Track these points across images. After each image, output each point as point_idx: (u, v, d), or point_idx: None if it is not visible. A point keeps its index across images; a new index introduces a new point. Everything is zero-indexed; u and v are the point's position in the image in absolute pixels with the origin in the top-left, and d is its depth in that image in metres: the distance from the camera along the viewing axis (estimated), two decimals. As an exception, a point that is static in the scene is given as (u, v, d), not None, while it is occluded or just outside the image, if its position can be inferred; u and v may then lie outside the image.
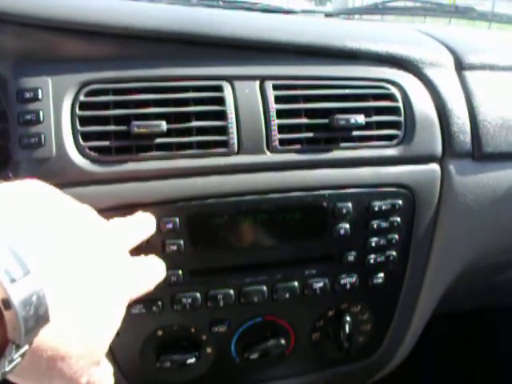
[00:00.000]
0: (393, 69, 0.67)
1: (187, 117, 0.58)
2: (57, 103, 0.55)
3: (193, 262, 0.60)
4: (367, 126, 0.62)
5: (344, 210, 0.62)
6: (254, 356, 0.66)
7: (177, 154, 0.57)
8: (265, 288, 0.63)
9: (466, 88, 0.69)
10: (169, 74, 0.59)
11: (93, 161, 0.56)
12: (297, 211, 0.61)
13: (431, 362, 1.25)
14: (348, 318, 0.68)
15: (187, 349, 0.64)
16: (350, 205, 0.62)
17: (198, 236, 0.59)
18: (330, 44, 0.65)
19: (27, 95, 0.55)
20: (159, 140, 0.57)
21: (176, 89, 0.58)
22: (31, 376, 0.36)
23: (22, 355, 0.32)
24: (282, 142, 0.60)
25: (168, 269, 0.57)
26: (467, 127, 0.67)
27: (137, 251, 0.49)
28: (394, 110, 0.64)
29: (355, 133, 0.62)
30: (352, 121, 0.61)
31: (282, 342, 0.67)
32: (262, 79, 0.61)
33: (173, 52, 0.61)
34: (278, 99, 0.60)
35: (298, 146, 0.61)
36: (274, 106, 0.60)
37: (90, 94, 0.57)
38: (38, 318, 0.31)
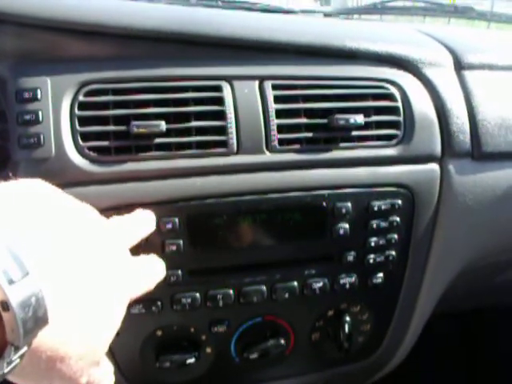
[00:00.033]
0: (392, 69, 0.67)
1: (186, 117, 0.58)
2: (56, 103, 0.55)
3: (192, 262, 0.60)
4: (366, 125, 0.62)
5: (343, 210, 0.62)
6: (254, 356, 0.66)
7: (176, 154, 0.57)
8: (264, 288, 0.63)
9: (465, 88, 0.69)
10: (168, 74, 0.59)
11: (92, 161, 0.56)
12: (296, 211, 0.61)
13: (431, 362, 1.25)
14: (348, 318, 0.68)
15: (187, 349, 0.64)
16: (349, 205, 0.62)
17: (197, 236, 0.59)
18: (330, 44, 0.65)
19: (26, 95, 0.55)
20: (158, 140, 0.57)
21: (175, 89, 0.58)
22: (31, 376, 0.36)
23: (21, 357, 0.32)
24: (281, 141, 0.60)
25: (167, 269, 0.57)
26: (466, 127, 0.67)
27: (136, 251, 0.49)
28: (393, 110, 0.64)
29: (354, 133, 0.62)
30: (351, 121, 0.61)
31: (282, 341, 0.67)
32: (262, 79, 0.61)
33: (172, 52, 0.61)
34: (277, 99, 0.60)
35: (297, 146, 0.61)
36: (273, 106, 0.60)
37: (89, 94, 0.57)
38: (37, 319, 0.31)
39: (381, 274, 0.67)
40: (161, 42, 0.61)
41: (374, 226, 0.63)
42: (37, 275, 0.31)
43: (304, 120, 0.61)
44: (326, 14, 1.20)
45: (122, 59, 0.59)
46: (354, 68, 0.65)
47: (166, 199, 0.57)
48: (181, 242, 0.58)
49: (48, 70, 0.57)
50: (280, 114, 0.60)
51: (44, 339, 0.33)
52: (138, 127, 0.55)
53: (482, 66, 0.71)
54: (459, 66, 0.70)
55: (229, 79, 0.60)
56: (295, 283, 0.64)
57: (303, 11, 1.12)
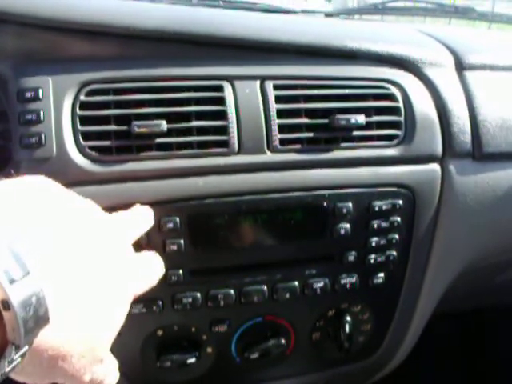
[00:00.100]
0: (393, 69, 0.67)
1: (187, 117, 0.58)
2: (57, 103, 0.55)
3: (193, 262, 0.60)
4: (367, 125, 0.62)
5: (344, 210, 0.62)
6: (255, 356, 0.67)
7: (177, 154, 0.57)
8: (265, 288, 0.63)
9: (466, 88, 0.69)
10: (169, 74, 0.59)
11: (93, 160, 0.56)
12: (297, 211, 0.61)
13: (431, 362, 1.25)
14: (348, 318, 0.68)
15: (187, 348, 0.64)
16: (350, 205, 0.62)
17: (198, 236, 0.59)
18: (331, 44, 0.65)
19: (28, 95, 0.55)
20: (159, 140, 0.57)
21: (176, 89, 0.58)
22: (33, 375, 0.36)
23: (22, 356, 0.32)
24: (282, 141, 0.60)
25: (168, 268, 0.57)
26: (467, 127, 0.67)
27: (137, 250, 0.49)
28: (394, 110, 0.64)
29: (355, 133, 0.62)
30: (352, 121, 0.61)
31: (283, 341, 0.67)
32: (263, 79, 0.61)
33: (173, 52, 0.61)
34: (278, 99, 0.60)
35: (298, 146, 0.61)
36: (274, 106, 0.60)
37: (90, 93, 0.57)
38: (38, 318, 0.31)
39: (381, 274, 0.67)
40: (162, 41, 0.61)
41: (375, 226, 0.63)
42: (38, 274, 0.31)
43: (305, 120, 0.61)
44: (327, 14, 1.20)
45: (123, 59, 0.60)
46: (355, 68, 0.65)
47: (167, 199, 0.58)
48: (182, 241, 0.58)
49: (49, 69, 0.57)
50: (281, 113, 0.60)
51: (45, 338, 0.33)
52: (139, 127, 0.55)
53: (483, 67, 0.71)
54: (460, 67, 0.70)
55: (230, 79, 0.60)
56: (296, 283, 0.64)
57: (304, 11, 1.12)
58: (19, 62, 0.58)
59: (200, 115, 0.58)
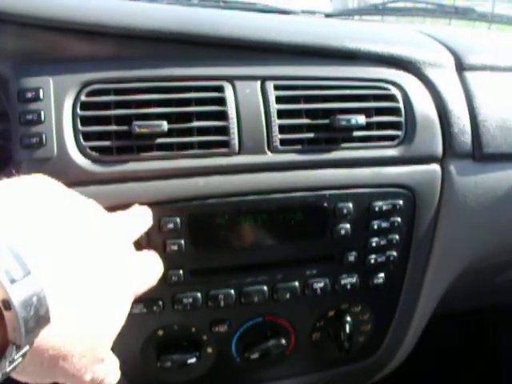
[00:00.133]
0: (393, 69, 0.67)
1: (188, 117, 0.58)
2: (58, 103, 0.55)
3: (194, 262, 0.60)
4: (368, 126, 0.62)
5: (345, 210, 0.62)
6: (255, 356, 0.67)
7: (178, 154, 0.58)
8: (265, 288, 0.63)
9: (466, 88, 0.69)
10: (170, 75, 0.59)
11: (94, 161, 0.56)
12: (298, 211, 0.61)
13: (431, 363, 1.25)
14: (348, 318, 0.68)
15: (188, 349, 0.64)
16: (350, 205, 0.62)
17: (198, 236, 0.59)
18: (331, 44, 0.65)
19: (28, 95, 0.55)
20: (160, 140, 0.57)
21: (177, 89, 0.58)
22: (34, 374, 0.36)
23: (23, 355, 0.32)
24: (282, 142, 0.60)
25: (169, 268, 0.57)
26: (468, 128, 0.67)
27: (137, 250, 0.49)
28: (394, 111, 0.64)
29: (356, 133, 0.62)
30: (353, 121, 0.61)
31: (283, 341, 0.67)
32: (263, 79, 0.61)
33: (174, 52, 0.61)
34: (278, 99, 0.60)
35: (298, 147, 0.61)
36: (274, 107, 0.60)
37: (91, 93, 0.57)
38: (39, 318, 0.31)
39: (382, 275, 0.67)
40: (163, 42, 0.61)
41: (375, 226, 0.64)
42: (38, 274, 0.31)
43: (306, 120, 0.61)
44: (327, 15, 1.20)
45: (123, 59, 0.60)
46: (356, 69, 0.65)
47: (168, 199, 0.58)
48: (182, 241, 0.58)
49: (50, 69, 0.57)
50: (282, 114, 0.60)
51: (46, 338, 0.33)
52: (139, 127, 0.55)
53: (483, 67, 0.71)
54: (460, 67, 0.70)
55: (231, 79, 0.60)
56: (296, 283, 0.64)
57: (304, 12, 1.12)
58: (20, 62, 0.58)
59: (201, 115, 0.58)
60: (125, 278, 0.41)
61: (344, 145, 0.62)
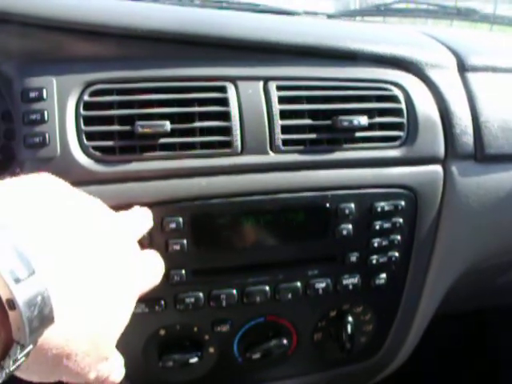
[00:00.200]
0: (395, 70, 0.67)
1: (191, 117, 0.58)
2: (61, 103, 0.56)
3: (196, 262, 0.60)
4: (370, 127, 0.62)
5: (347, 211, 0.62)
6: (256, 356, 0.67)
7: (180, 154, 0.58)
8: (267, 288, 0.63)
9: (468, 90, 0.69)
10: (173, 75, 0.59)
11: (97, 160, 0.56)
12: (300, 212, 0.61)
13: (433, 363, 1.25)
14: (350, 319, 0.68)
15: (189, 348, 0.64)
16: (352, 205, 0.62)
17: (201, 236, 0.59)
18: (333, 45, 0.65)
19: (32, 95, 0.55)
20: (163, 140, 0.57)
21: (180, 89, 0.59)
22: (38, 373, 0.36)
23: (27, 355, 0.32)
24: (285, 142, 0.60)
25: (171, 268, 0.57)
26: (470, 129, 0.67)
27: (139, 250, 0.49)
28: (396, 112, 0.65)
29: (358, 134, 0.62)
30: (355, 122, 0.61)
31: (284, 342, 0.67)
32: (266, 80, 0.61)
33: (177, 53, 0.62)
34: (281, 100, 0.60)
35: (301, 147, 0.61)
36: (277, 107, 0.60)
37: (94, 93, 0.57)
38: (43, 318, 0.31)
39: (383, 275, 0.67)
40: (166, 42, 0.61)
41: (377, 226, 0.64)
42: (43, 274, 0.31)
43: (308, 121, 0.61)
44: (330, 16, 1.20)
45: (127, 59, 0.60)
46: (358, 69, 0.66)
47: (170, 199, 0.58)
48: (184, 241, 0.58)
49: (53, 69, 0.57)
50: (284, 114, 0.60)
51: (50, 337, 0.33)
52: (142, 127, 0.55)
53: (485, 68, 0.71)
54: (463, 68, 0.70)
55: (233, 80, 0.60)
56: (298, 283, 0.64)
57: (306, 12, 1.12)
58: (23, 62, 0.58)
59: (203, 116, 0.58)
60: (129, 278, 0.41)
61: (346, 145, 0.62)
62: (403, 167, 0.64)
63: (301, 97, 0.62)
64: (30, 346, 0.32)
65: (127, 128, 0.56)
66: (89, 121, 0.56)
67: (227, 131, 0.59)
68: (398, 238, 0.65)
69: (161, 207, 0.57)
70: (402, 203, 0.64)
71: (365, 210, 0.63)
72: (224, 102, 0.59)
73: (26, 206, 0.35)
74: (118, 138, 0.56)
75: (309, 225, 0.62)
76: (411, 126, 0.65)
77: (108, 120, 0.56)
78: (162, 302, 0.61)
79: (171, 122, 0.56)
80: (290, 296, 0.64)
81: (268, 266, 0.63)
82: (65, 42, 0.59)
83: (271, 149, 0.60)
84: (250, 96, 0.60)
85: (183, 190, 0.58)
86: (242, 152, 0.59)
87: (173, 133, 0.57)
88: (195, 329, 0.64)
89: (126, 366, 0.58)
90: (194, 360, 0.64)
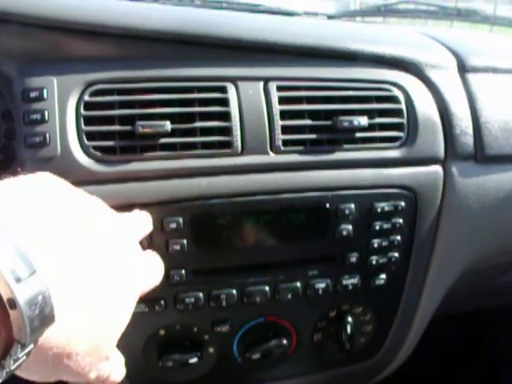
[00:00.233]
0: (396, 71, 0.67)
1: (191, 117, 0.58)
2: (62, 103, 0.56)
3: (196, 262, 0.60)
4: (370, 127, 0.62)
5: (347, 211, 0.62)
6: (256, 356, 0.67)
7: (181, 154, 0.58)
8: (267, 288, 0.63)
9: (468, 90, 0.69)
10: (173, 75, 0.59)
11: (97, 160, 0.56)
12: (300, 212, 0.61)
13: (432, 363, 1.25)
14: (350, 319, 0.68)
15: (189, 348, 0.65)
16: (352, 206, 0.62)
17: (201, 236, 0.59)
18: (334, 46, 0.65)
19: (32, 95, 0.55)
20: (163, 140, 0.57)
21: (180, 89, 0.59)
22: (38, 372, 0.36)
23: (27, 354, 0.32)
24: (285, 142, 0.60)
25: (171, 268, 0.58)
26: (470, 129, 0.67)
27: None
28: (396, 112, 0.65)
29: (358, 134, 0.62)
30: (355, 122, 0.61)
31: (284, 342, 0.67)
32: (266, 80, 0.62)
33: (177, 53, 0.62)
34: (281, 100, 0.61)
35: (301, 147, 0.61)
36: (277, 107, 0.60)
37: (94, 93, 0.57)
38: (44, 317, 0.31)
39: (383, 276, 0.67)
40: (166, 42, 0.61)
41: (377, 227, 0.64)
42: (44, 273, 0.31)
43: (308, 121, 0.61)
44: (330, 16, 1.20)
45: (127, 59, 0.60)
46: (358, 70, 0.66)
47: (170, 199, 0.58)
48: (185, 241, 0.58)
49: (54, 69, 0.57)
50: (284, 115, 0.60)
51: (50, 336, 0.33)
52: (143, 127, 0.55)
53: (485, 69, 0.71)
54: (463, 69, 0.70)
55: (233, 80, 0.61)
56: (298, 284, 0.64)
57: (307, 13, 1.12)
58: (24, 62, 0.58)
59: (204, 116, 0.58)
60: (130, 278, 0.41)
61: (346, 146, 0.62)
62: (403, 168, 0.64)
63: (301, 97, 0.62)
64: (31, 346, 0.32)
65: (128, 128, 0.56)
66: (89, 121, 0.56)
67: (227, 131, 0.59)
68: (398, 238, 0.66)
69: (161, 207, 0.57)
70: (402, 204, 0.64)
71: (365, 210, 0.63)
72: (224, 102, 0.59)
73: (27, 205, 0.35)
74: (119, 138, 0.56)
75: (309, 225, 0.62)
76: (411, 126, 0.65)
77: (108, 120, 0.56)
78: (162, 302, 0.61)
79: (172, 122, 0.56)
80: (289, 296, 0.64)
81: (268, 266, 0.63)
82: (65, 41, 0.59)
83: (271, 149, 0.60)
84: (250, 96, 0.60)
85: (183, 190, 0.58)
86: (243, 152, 0.59)
87: (173, 133, 0.57)
88: (195, 329, 0.65)
89: (126, 365, 0.59)
90: (193, 360, 0.64)
